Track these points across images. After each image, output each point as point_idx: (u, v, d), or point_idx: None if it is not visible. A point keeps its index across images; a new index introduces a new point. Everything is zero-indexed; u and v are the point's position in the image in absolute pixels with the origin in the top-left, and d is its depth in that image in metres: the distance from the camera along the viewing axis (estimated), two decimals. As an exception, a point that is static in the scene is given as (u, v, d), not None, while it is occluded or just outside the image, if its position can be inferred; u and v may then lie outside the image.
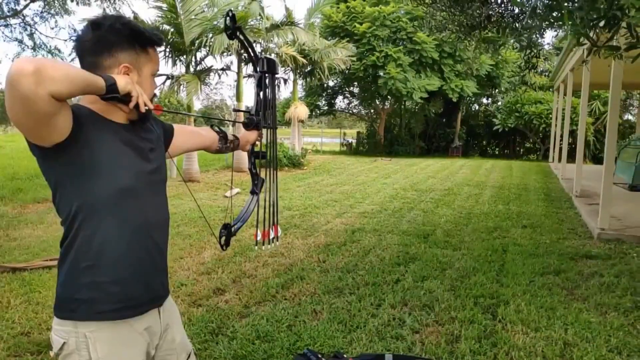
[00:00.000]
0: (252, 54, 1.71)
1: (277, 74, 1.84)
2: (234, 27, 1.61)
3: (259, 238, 1.71)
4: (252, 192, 1.77)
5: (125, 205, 1.31)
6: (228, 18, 1.60)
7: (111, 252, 1.30)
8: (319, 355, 2.37)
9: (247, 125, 1.77)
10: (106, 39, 1.28)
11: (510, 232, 6.10)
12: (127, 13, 11.50)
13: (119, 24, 1.29)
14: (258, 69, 1.72)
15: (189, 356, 1.56)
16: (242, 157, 12.90)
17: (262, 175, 1.77)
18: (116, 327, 1.31)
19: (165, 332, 1.47)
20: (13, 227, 6.14)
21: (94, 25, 1.29)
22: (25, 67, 1.01)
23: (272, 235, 1.75)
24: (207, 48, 11.25)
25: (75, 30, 13.71)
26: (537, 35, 4.41)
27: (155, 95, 1.44)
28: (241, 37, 1.64)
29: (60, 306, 1.32)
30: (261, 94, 1.72)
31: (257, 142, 1.81)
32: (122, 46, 1.30)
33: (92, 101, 1.27)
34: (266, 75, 1.73)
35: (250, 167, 1.79)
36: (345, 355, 2.46)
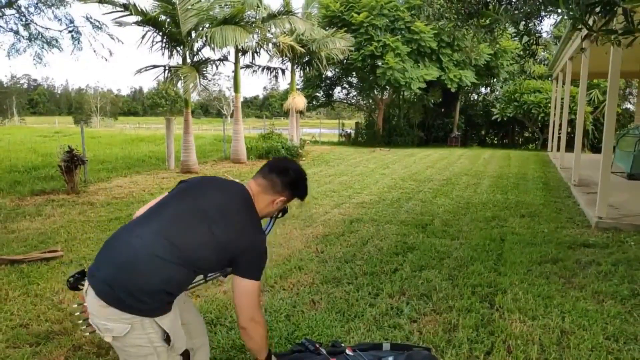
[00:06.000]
0: None
1: None
2: None
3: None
4: None
5: None
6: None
7: None
8: (317, 345, 2.37)
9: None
10: (291, 184, 2.05)
11: (508, 222, 6.11)
12: None
13: (302, 183, 2.11)
14: None
15: None
16: (239, 148, 12.88)
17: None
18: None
19: None
20: (11, 220, 6.13)
21: (296, 173, 2.08)
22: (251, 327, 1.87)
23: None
24: (204, 39, 11.15)
25: (72, 21, 13.52)
26: (534, 22, 4.38)
27: (279, 214, 2.25)
28: None
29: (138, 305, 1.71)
30: None
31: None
32: (290, 193, 2.08)
33: None
34: None
35: None
36: (343, 345, 2.47)
